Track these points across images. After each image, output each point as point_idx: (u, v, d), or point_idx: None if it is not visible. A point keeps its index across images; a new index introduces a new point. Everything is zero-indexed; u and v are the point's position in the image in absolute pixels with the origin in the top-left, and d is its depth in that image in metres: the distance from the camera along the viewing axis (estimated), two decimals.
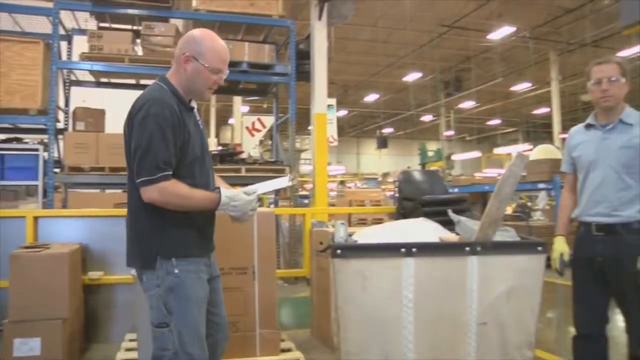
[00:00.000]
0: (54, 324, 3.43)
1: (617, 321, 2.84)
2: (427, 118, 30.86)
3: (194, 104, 2.33)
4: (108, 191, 8.76)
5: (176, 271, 2.15)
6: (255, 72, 7.15)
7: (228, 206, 2.18)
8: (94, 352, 4.20)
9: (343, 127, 31.43)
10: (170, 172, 2.10)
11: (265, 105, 20.49)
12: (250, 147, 11.94)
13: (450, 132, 28.63)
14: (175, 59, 2.28)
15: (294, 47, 7.40)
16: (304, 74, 7.95)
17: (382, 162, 36.33)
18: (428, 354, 2.64)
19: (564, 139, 21.48)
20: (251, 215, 2.29)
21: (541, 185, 8.99)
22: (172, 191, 2.09)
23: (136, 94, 7.15)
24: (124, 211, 4.80)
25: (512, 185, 2.74)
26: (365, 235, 2.96)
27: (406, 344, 2.63)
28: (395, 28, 17.55)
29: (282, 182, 2.67)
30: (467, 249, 2.67)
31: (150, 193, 2.08)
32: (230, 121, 20.00)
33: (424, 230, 3.06)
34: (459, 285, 2.66)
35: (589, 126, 2.80)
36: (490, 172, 26.78)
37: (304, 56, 7.87)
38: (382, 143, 29.12)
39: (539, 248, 2.71)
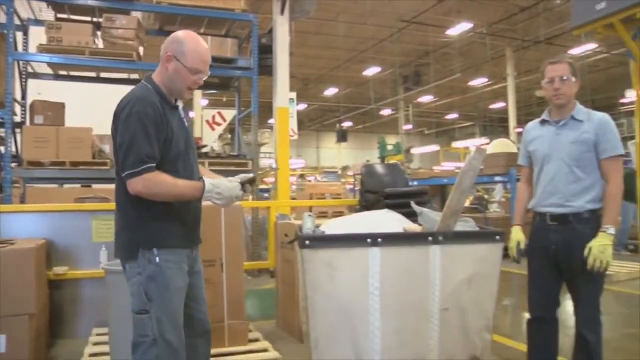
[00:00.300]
0: (21, 319, 3.39)
1: (565, 306, 3.02)
2: (386, 112, 31.22)
3: (179, 103, 2.42)
4: (66, 186, 8.59)
5: (157, 260, 2.22)
6: (218, 66, 7.14)
7: (212, 194, 2.23)
8: (60, 347, 4.16)
9: (302, 121, 31.52)
10: (154, 165, 2.17)
11: (224, 99, 20.36)
12: (211, 141, 11.90)
13: (409, 126, 29.05)
14: (160, 59, 2.35)
15: (256, 42, 7.42)
16: (266, 68, 7.99)
17: (341, 155, 36.61)
18: (393, 339, 2.76)
19: (519, 133, 22.18)
20: (236, 199, 2.33)
21: (497, 178, 9.27)
22: (155, 181, 2.16)
23: (97, 87, 7.07)
24: (85, 206, 4.83)
25: (472, 178, 2.89)
26: (332, 227, 3.06)
27: (373, 330, 2.74)
28: (355, 23, 17.73)
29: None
30: (430, 238, 2.80)
31: (135, 185, 2.15)
32: (190, 115, 19.79)
33: (388, 221, 3.18)
34: (423, 273, 2.79)
35: (543, 122, 2.96)
36: (448, 166, 27.35)
37: (266, 50, 7.90)
38: (342, 137, 29.32)
39: (497, 237, 2.87)
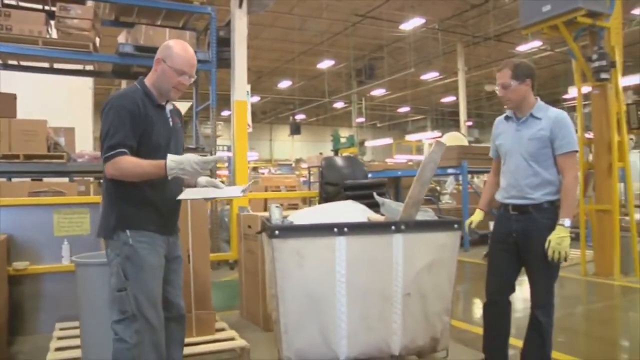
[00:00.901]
0: None
1: (517, 291, 3.23)
2: (339, 105, 31.45)
3: (169, 106, 2.62)
4: (14, 180, 8.34)
5: (131, 242, 2.43)
6: None
7: (177, 170, 2.34)
8: (21, 344, 4.10)
9: (256, 114, 31.38)
10: (125, 150, 2.36)
11: None
12: None
13: (362, 119, 29.37)
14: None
15: (215, 34, 7.39)
16: (223, 61, 7.96)
17: (294, 148, 36.72)
18: (359, 324, 2.92)
19: (469, 127, 22.63)
20: (202, 173, 2.45)
21: (450, 171, 9.55)
22: (122, 163, 2.35)
23: (49, 78, 6.81)
24: (46, 199, 4.75)
25: (432, 170, 3.06)
26: (299, 217, 3.17)
27: (339, 315, 2.89)
28: (310, 16, 17.79)
29: (233, 192, 2.76)
30: (393, 227, 2.97)
31: (108, 169, 2.38)
32: None
33: (353, 211, 3.32)
34: (386, 260, 2.95)
35: (507, 118, 3.15)
36: (401, 158, 27.83)
37: (223, 43, 7.87)
38: (296, 129, 29.37)
39: (455, 226, 3.07)
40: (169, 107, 2.62)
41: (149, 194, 2.47)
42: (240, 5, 7.76)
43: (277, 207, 3.12)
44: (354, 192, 4.86)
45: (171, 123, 2.62)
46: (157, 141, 2.48)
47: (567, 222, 2.82)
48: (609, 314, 5.24)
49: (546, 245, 2.80)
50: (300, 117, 34.39)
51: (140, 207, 2.46)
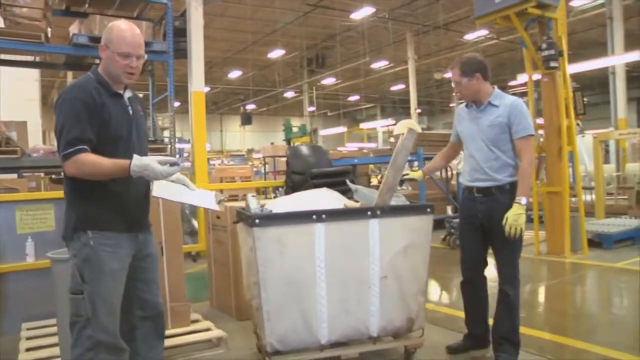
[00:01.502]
0: None
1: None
2: (290, 94, 31.38)
3: (128, 93, 2.49)
4: None
5: (91, 243, 2.29)
6: None
7: (142, 173, 2.23)
8: None
9: (206, 104, 30.83)
10: (85, 147, 2.23)
11: None
12: None
13: (312, 108, 29.43)
14: None
15: (171, 25, 7.27)
16: (179, 52, 7.85)
17: (246, 138, 36.48)
18: (338, 307, 3.00)
19: (419, 114, 22.93)
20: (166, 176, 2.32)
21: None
22: (83, 161, 2.22)
23: None
24: (7, 196, 4.59)
25: (405, 156, 3.17)
26: (277, 205, 3.21)
27: (320, 300, 2.96)
28: (261, 5, 17.64)
29: (208, 202, 2.64)
30: (369, 213, 3.05)
31: (68, 167, 2.24)
32: None
33: (329, 199, 3.39)
34: (363, 245, 3.04)
35: (468, 105, 3.31)
36: (352, 146, 28.08)
37: (179, 33, 7.75)
38: (247, 120, 29.14)
39: (428, 210, 3.18)
40: (127, 94, 2.48)
41: (114, 188, 2.33)
42: None
43: (253, 196, 3.15)
44: (321, 180, 4.93)
45: (131, 111, 2.47)
46: (117, 131, 2.36)
47: (523, 200, 3.01)
48: (561, 289, 5.55)
49: (503, 222, 2.97)
50: (251, 107, 34.11)
51: (105, 205, 2.33)
